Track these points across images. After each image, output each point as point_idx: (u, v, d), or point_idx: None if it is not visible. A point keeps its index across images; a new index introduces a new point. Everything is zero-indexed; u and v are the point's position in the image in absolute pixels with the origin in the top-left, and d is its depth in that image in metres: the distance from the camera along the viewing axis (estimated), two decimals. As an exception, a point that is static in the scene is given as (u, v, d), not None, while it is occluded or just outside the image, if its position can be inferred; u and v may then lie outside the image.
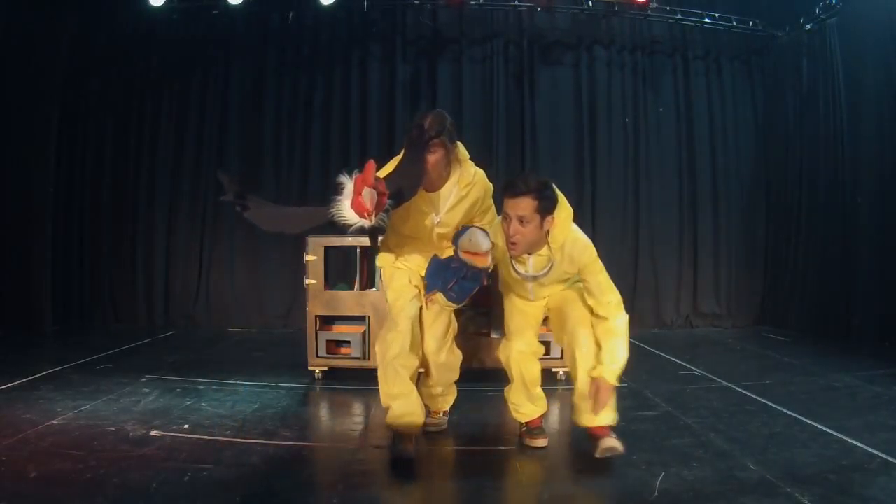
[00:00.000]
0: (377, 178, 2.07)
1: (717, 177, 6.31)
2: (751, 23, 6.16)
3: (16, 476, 2.18)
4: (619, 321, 2.40)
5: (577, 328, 2.47)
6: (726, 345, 5.30)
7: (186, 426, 2.83)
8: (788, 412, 3.11)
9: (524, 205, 2.29)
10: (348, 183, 2.07)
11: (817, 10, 5.60)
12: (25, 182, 5.45)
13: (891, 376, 3.85)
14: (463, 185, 2.49)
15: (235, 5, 5.71)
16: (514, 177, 2.39)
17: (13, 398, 3.21)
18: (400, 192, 2.19)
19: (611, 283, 2.44)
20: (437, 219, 2.52)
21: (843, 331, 5.28)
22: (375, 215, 2.04)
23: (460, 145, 2.50)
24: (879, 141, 5.09)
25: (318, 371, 3.84)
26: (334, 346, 3.85)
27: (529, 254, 2.43)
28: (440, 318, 2.62)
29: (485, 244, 2.39)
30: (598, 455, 2.34)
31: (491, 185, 2.60)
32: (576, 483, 2.31)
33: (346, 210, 2.06)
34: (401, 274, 2.63)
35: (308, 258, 3.78)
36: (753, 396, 3.44)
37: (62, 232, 5.91)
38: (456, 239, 2.44)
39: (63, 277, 5.90)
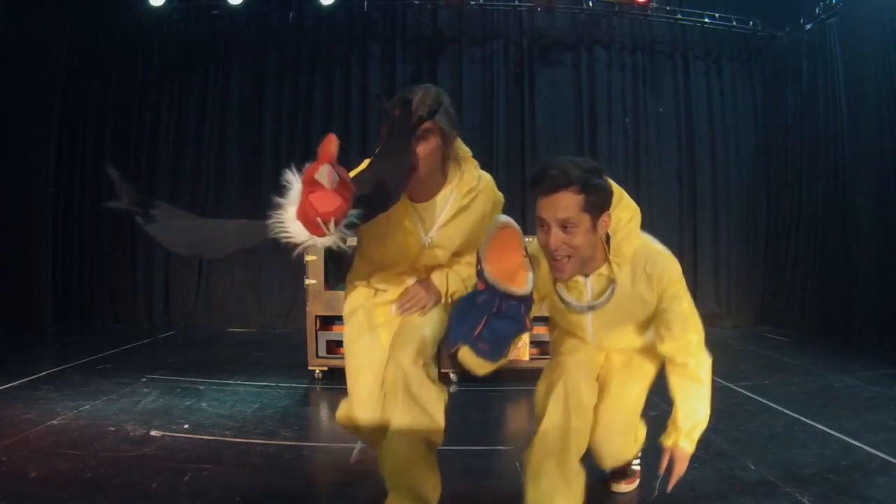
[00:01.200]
0: (338, 165, 1.43)
1: (717, 177, 6.31)
2: (751, 23, 6.16)
3: (16, 476, 2.17)
4: (703, 370, 1.76)
5: (614, 419, 1.87)
6: (726, 345, 5.30)
7: (186, 426, 2.83)
8: (788, 412, 3.11)
9: (566, 203, 1.59)
10: (297, 183, 1.45)
11: (817, 10, 5.60)
12: (25, 182, 5.45)
13: (891, 376, 3.85)
14: (464, 192, 1.81)
15: (235, 5, 5.71)
16: (543, 164, 1.65)
17: (13, 398, 3.21)
18: (374, 197, 1.55)
19: (696, 314, 1.81)
20: (426, 239, 1.82)
21: (843, 331, 5.28)
22: (335, 226, 1.41)
23: (459, 140, 1.85)
24: (879, 141, 5.08)
25: (318, 371, 3.84)
26: (334, 346, 3.85)
27: (585, 275, 1.73)
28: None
29: (503, 218, 1.67)
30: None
31: (501, 195, 1.92)
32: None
33: (290, 222, 1.44)
34: (364, 337, 1.88)
35: (308, 258, 3.78)
36: (753, 396, 3.44)
37: (62, 232, 5.91)
38: (478, 256, 1.65)
39: (63, 277, 5.90)
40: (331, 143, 1.43)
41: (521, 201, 6.06)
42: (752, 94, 6.40)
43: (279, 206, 1.45)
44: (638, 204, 1.80)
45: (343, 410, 1.99)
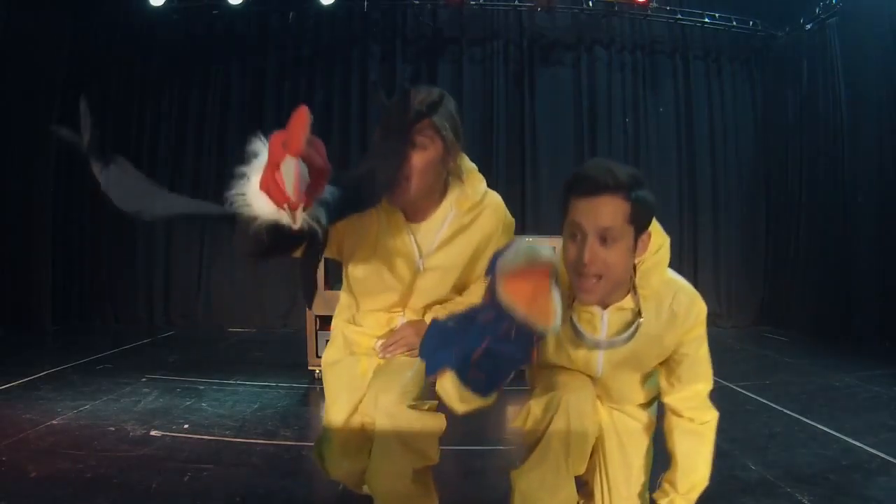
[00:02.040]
0: (311, 140, 1.20)
1: (717, 177, 6.32)
2: (751, 23, 6.17)
3: (16, 476, 2.17)
4: (709, 426, 1.57)
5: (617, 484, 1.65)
6: (726, 345, 5.30)
7: (186, 426, 2.83)
8: (788, 412, 3.11)
9: (611, 208, 1.34)
10: (263, 152, 1.23)
11: (817, 10, 5.61)
12: (25, 182, 5.45)
13: (891, 376, 3.85)
14: (465, 209, 1.60)
15: (235, 5, 5.71)
16: (584, 165, 1.42)
17: (13, 398, 3.20)
18: (351, 193, 1.32)
19: (710, 361, 1.58)
20: (420, 263, 1.60)
21: (843, 331, 5.28)
22: (305, 205, 1.17)
23: (465, 156, 1.64)
24: (879, 141, 5.09)
25: (318, 371, 3.83)
26: (334, 345, 3.85)
27: (604, 305, 1.49)
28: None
29: (544, 254, 1.25)
30: None
31: (511, 218, 1.69)
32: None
33: (252, 194, 1.20)
34: (343, 361, 1.74)
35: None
36: (753, 396, 3.44)
37: (62, 232, 5.91)
38: (492, 264, 1.28)
39: (63, 277, 5.90)
40: (304, 119, 1.17)
41: (521, 201, 6.07)
42: (752, 94, 6.40)
43: (241, 177, 1.21)
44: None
45: (318, 446, 1.81)
